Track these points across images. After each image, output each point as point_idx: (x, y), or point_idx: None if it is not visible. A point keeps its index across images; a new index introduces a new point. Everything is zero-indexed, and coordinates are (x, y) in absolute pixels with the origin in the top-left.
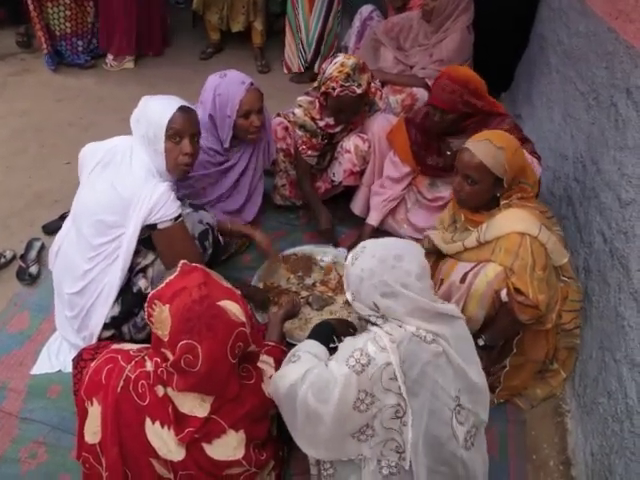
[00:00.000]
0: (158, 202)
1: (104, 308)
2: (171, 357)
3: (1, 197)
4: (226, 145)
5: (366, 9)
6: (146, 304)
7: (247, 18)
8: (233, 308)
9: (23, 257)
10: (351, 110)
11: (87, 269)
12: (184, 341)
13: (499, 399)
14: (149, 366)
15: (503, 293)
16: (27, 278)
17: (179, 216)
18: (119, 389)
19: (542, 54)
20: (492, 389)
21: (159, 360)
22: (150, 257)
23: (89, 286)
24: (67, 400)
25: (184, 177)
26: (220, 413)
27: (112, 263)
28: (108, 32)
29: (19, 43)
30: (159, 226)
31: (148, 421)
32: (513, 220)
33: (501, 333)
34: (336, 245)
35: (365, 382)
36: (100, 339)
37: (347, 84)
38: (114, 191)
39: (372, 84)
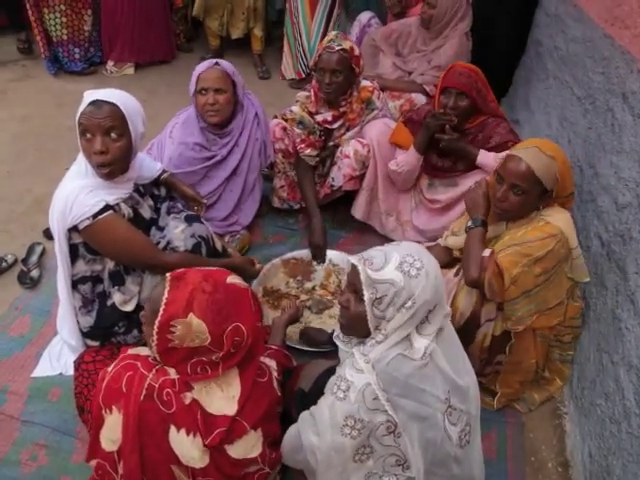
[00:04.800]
0: (67, 203)
1: (71, 316)
2: (219, 352)
3: (1, 202)
4: (201, 124)
5: (365, 16)
6: (156, 336)
7: (247, 24)
8: (236, 279)
9: (24, 261)
10: (332, 70)
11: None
12: (229, 328)
13: (498, 405)
14: (173, 373)
15: (487, 251)
16: (28, 282)
17: (99, 212)
18: (142, 397)
19: (539, 60)
20: (491, 393)
21: (210, 358)
22: (108, 261)
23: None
24: (68, 403)
25: (109, 178)
26: (243, 413)
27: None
28: (110, 38)
29: (20, 49)
30: (79, 227)
31: (173, 429)
32: (563, 216)
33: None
34: (323, 262)
35: (349, 408)
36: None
37: (329, 44)
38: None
39: (369, 83)
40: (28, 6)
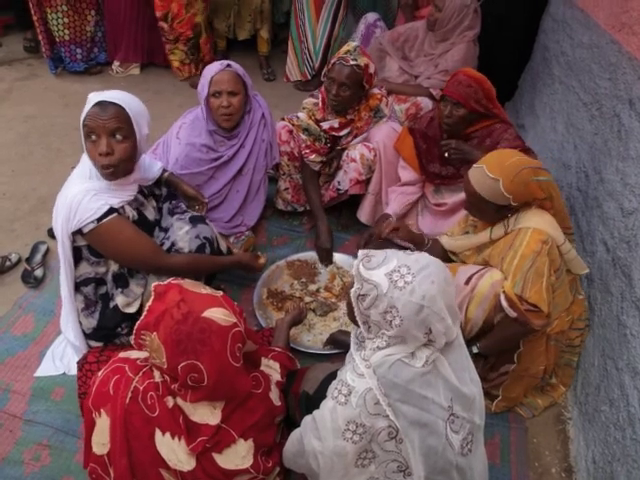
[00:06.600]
0: (71, 207)
1: (74, 318)
2: (176, 382)
3: (7, 200)
4: (210, 127)
5: (371, 16)
6: (133, 337)
7: (253, 26)
8: (219, 314)
9: (28, 260)
10: (341, 83)
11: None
12: (183, 363)
13: (496, 409)
14: (157, 376)
15: (502, 298)
16: (32, 281)
17: (104, 215)
18: (127, 400)
19: (546, 65)
20: (490, 397)
21: (168, 379)
22: (112, 264)
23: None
24: (71, 403)
25: (113, 179)
26: (230, 422)
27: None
28: (115, 39)
29: (26, 48)
30: (84, 230)
31: (158, 432)
32: (543, 219)
33: (496, 344)
34: (330, 263)
35: (351, 412)
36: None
37: (344, 56)
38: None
39: (377, 90)
40: (31, 5)
